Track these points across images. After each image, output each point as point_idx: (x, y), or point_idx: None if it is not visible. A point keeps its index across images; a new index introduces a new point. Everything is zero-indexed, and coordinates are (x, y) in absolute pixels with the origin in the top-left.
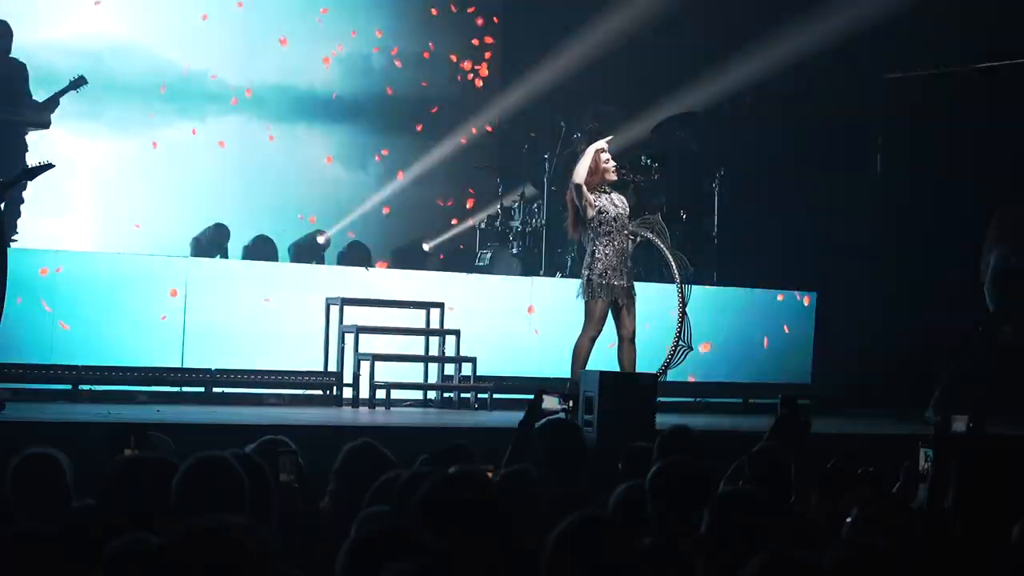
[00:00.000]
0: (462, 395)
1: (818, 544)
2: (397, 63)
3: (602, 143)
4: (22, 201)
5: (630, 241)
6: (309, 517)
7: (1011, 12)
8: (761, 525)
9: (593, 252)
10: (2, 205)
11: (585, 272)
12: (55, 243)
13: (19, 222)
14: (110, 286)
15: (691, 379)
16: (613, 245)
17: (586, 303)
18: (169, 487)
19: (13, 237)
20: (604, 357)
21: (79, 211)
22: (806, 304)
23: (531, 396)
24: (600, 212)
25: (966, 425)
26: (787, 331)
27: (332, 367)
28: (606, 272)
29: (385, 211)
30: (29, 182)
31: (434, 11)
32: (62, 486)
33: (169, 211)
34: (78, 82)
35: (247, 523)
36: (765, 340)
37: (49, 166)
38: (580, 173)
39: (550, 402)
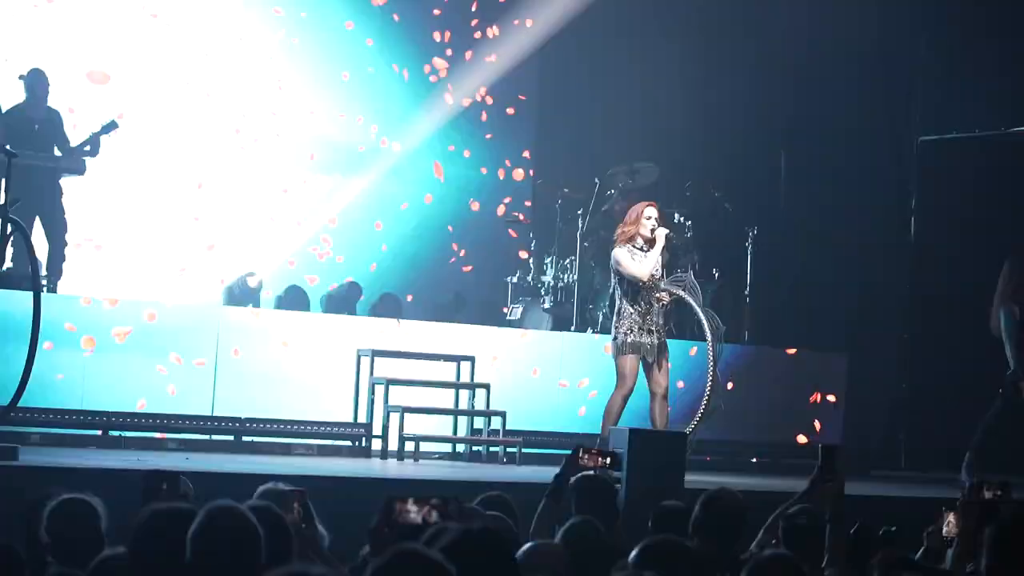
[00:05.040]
0: (491, 449)
1: None
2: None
3: (653, 209)
4: (64, 244)
5: (661, 299)
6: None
7: None
8: None
9: (621, 310)
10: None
11: (613, 329)
12: (91, 287)
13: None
14: (140, 332)
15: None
16: (641, 303)
17: (615, 360)
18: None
19: (43, 275)
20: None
21: (115, 254)
22: (837, 365)
23: (563, 452)
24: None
25: (994, 491)
26: (817, 390)
27: (362, 418)
28: (632, 328)
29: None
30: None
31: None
32: (97, 532)
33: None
34: (110, 126)
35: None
36: (807, 405)
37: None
38: (643, 271)
39: (591, 458)
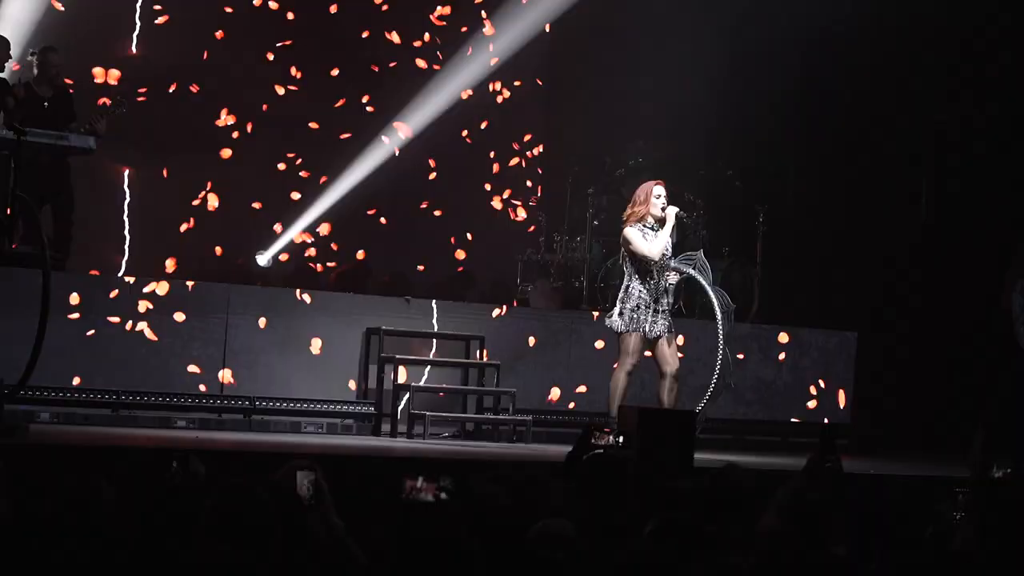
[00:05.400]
0: (500, 427)
1: None
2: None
3: (661, 187)
4: (72, 223)
5: (670, 278)
6: (323, 536)
7: None
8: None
9: (628, 287)
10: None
11: (618, 305)
12: (97, 266)
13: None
14: (150, 309)
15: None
16: (650, 282)
17: (619, 337)
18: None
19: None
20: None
21: (121, 235)
22: (846, 344)
23: (568, 430)
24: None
25: (1004, 470)
26: (826, 370)
27: (371, 397)
28: (639, 307)
29: None
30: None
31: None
32: (102, 512)
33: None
34: (117, 104)
35: None
36: (816, 384)
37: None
38: (654, 251)
39: (603, 437)
